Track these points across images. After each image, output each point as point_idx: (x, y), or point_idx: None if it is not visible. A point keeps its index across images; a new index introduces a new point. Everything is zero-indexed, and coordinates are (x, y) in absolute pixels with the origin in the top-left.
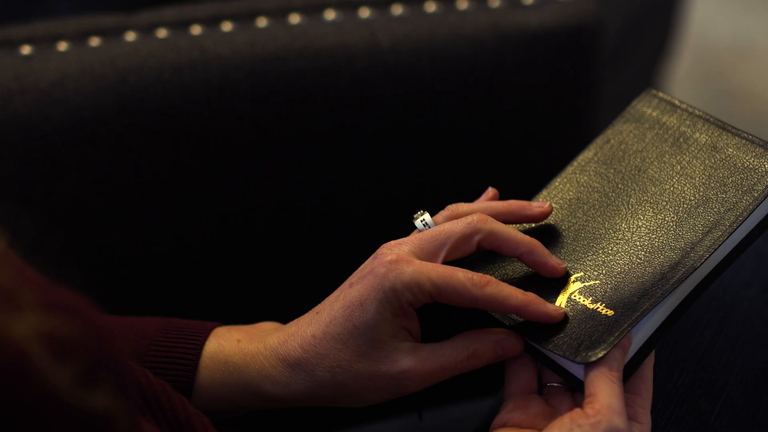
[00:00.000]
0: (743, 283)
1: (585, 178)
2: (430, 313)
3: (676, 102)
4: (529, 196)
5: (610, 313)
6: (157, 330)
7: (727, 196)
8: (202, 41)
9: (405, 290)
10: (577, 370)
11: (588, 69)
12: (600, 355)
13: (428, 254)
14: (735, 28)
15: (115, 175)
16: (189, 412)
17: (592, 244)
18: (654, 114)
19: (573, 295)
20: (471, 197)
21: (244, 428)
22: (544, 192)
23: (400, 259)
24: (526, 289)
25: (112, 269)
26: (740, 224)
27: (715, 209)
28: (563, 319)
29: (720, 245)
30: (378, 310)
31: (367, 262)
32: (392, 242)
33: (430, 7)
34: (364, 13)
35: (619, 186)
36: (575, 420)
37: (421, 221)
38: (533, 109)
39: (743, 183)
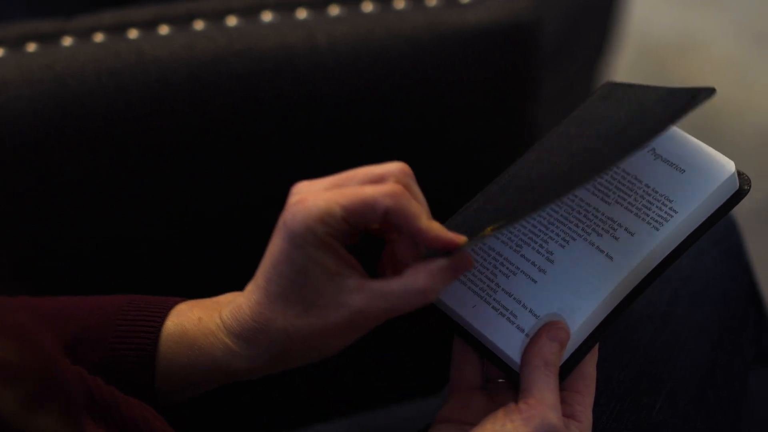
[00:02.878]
0: (684, 278)
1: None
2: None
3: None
4: (474, 193)
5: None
6: (118, 309)
7: (623, 135)
8: (140, 45)
9: (318, 224)
10: (515, 363)
11: (527, 66)
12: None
13: (335, 187)
14: (675, 25)
15: (56, 180)
16: (118, 399)
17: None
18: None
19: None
20: None
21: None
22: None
23: (303, 198)
24: None
25: (56, 274)
26: (627, 151)
27: (606, 147)
28: None
29: (601, 167)
30: (302, 255)
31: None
32: (300, 183)
33: (367, 7)
34: (302, 14)
35: (558, 146)
36: (508, 415)
37: None
38: (474, 108)
39: (639, 126)
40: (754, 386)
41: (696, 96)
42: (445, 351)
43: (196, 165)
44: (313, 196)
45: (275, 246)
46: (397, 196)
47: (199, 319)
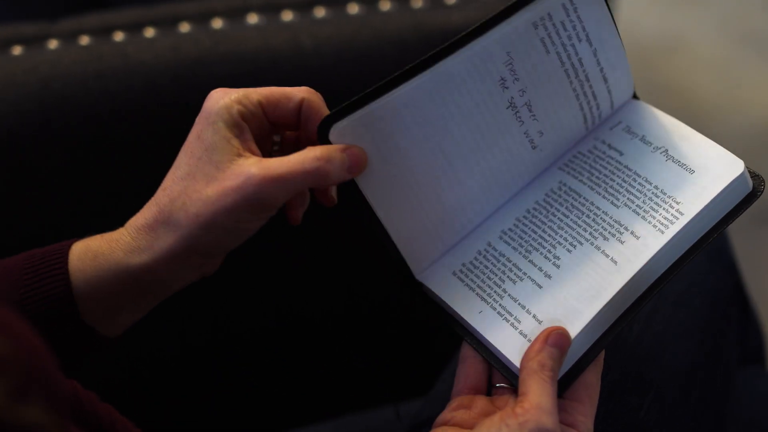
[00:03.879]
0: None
1: None
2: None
3: None
4: None
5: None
6: (22, 269)
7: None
8: (125, 47)
9: (234, 103)
10: (517, 369)
11: None
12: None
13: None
14: (661, 25)
15: (40, 183)
16: (114, 419)
17: None
18: None
19: None
20: None
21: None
22: None
23: (225, 89)
24: None
25: None
26: None
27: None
28: None
29: None
30: (214, 131)
31: None
32: None
33: (353, 9)
34: (287, 16)
35: None
36: (504, 419)
37: None
38: None
39: None
40: (739, 385)
41: None
42: (430, 354)
43: None
44: (234, 89)
45: (192, 132)
46: (312, 92)
47: (101, 235)
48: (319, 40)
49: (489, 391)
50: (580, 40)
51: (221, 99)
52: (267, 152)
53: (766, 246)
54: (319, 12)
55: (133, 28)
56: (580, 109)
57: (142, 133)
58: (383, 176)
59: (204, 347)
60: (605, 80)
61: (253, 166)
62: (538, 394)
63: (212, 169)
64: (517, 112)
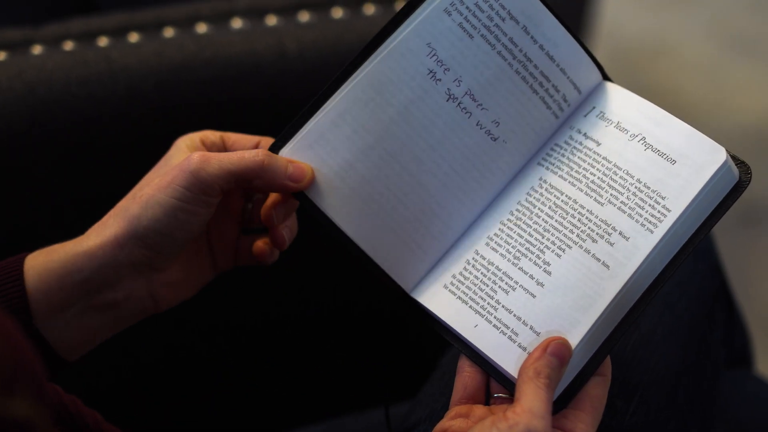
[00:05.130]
0: None
1: None
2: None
3: None
4: None
5: None
6: None
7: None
8: (109, 52)
9: (197, 134)
10: (515, 377)
11: None
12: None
13: None
14: (646, 27)
15: (24, 188)
16: (99, 421)
17: None
18: None
19: None
20: None
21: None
22: None
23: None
24: None
25: None
26: None
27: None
28: None
29: None
30: (176, 149)
31: None
32: None
33: (337, 13)
34: (271, 20)
35: None
36: (495, 423)
37: None
38: None
39: None
40: (726, 387)
41: None
42: (418, 356)
43: None
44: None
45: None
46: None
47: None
48: (303, 45)
49: (487, 400)
50: (503, 19)
51: (185, 136)
52: (239, 221)
53: (751, 247)
54: (304, 16)
55: (118, 33)
56: (534, 92)
57: (126, 138)
58: (343, 194)
59: (188, 351)
60: (551, 58)
61: (197, 153)
62: (530, 398)
63: (166, 167)
64: (460, 103)
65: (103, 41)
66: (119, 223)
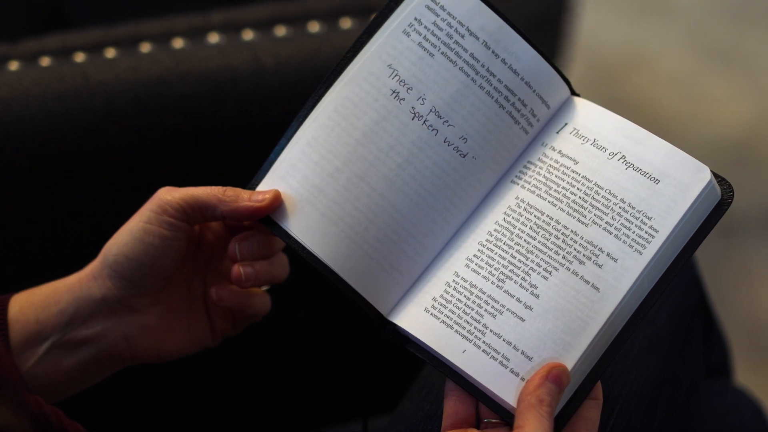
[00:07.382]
0: None
1: None
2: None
3: None
4: None
5: None
6: None
7: None
8: (86, 68)
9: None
10: (511, 407)
11: None
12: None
13: None
14: (624, 39)
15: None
16: (80, 431)
17: None
18: None
19: None
20: None
21: None
22: None
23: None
24: None
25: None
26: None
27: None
28: None
29: None
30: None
31: None
32: None
33: (314, 27)
34: (248, 35)
35: None
36: None
37: None
38: None
39: None
40: (705, 399)
41: None
42: (396, 370)
43: (140, 187)
44: None
45: None
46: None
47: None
48: (279, 59)
49: (478, 423)
50: (462, 36)
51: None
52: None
53: (730, 258)
54: (280, 31)
55: (94, 49)
56: (500, 107)
57: (103, 153)
58: (313, 218)
59: (164, 366)
60: (515, 72)
61: (168, 190)
62: (535, 427)
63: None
64: (425, 121)
65: (79, 57)
66: (98, 257)
